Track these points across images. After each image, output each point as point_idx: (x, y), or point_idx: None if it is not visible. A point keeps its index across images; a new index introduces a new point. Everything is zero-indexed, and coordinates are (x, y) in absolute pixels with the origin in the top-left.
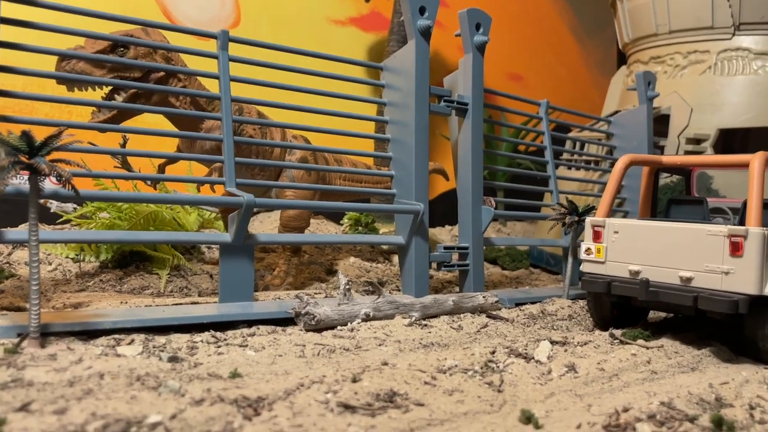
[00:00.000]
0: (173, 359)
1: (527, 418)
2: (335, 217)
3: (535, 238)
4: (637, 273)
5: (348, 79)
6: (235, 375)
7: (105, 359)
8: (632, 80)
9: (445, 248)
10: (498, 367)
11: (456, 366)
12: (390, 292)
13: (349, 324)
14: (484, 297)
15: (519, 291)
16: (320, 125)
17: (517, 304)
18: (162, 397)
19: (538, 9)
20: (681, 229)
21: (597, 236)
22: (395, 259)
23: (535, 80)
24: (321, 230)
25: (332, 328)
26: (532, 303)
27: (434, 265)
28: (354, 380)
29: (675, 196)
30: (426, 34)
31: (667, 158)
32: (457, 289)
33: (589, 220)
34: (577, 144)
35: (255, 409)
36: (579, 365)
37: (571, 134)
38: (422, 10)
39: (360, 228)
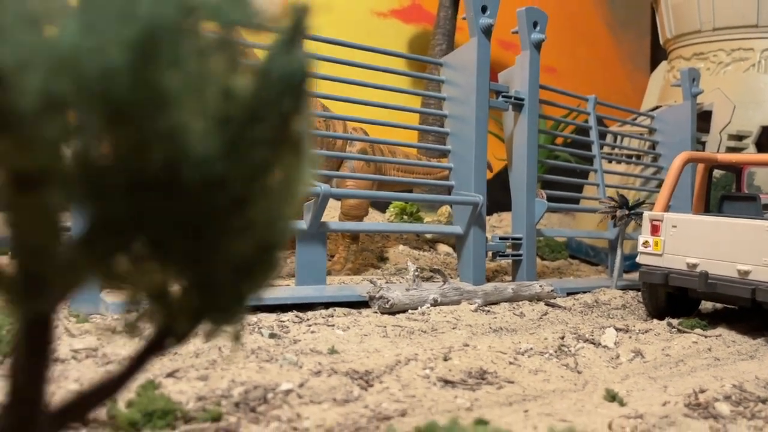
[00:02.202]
0: (273, 336)
1: (612, 396)
2: (380, 206)
3: (582, 230)
4: (695, 266)
5: (412, 75)
6: (333, 351)
7: None
8: (674, 76)
9: (501, 238)
10: (570, 351)
11: (531, 349)
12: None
13: (419, 308)
14: (540, 286)
15: (568, 281)
16: (377, 118)
17: (569, 294)
18: (284, 368)
19: (573, 1)
20: (740, 225)
21: (655, 230)
22: (440, 248)
23: (568, 73)
24: (368, 219)
25: (403, 311)
26: (583, 293)
27: (489, 254)
28: (445, 359)
29: (727, 193)
30: (487, 32)
31: (722, 156)
32: (504, 277)
33: (647, 214)
34: (618, 138)
35: (367, 381)
36: (645, 351)
37: (613, 128)
38: (484, 9)
39: (405, 217)
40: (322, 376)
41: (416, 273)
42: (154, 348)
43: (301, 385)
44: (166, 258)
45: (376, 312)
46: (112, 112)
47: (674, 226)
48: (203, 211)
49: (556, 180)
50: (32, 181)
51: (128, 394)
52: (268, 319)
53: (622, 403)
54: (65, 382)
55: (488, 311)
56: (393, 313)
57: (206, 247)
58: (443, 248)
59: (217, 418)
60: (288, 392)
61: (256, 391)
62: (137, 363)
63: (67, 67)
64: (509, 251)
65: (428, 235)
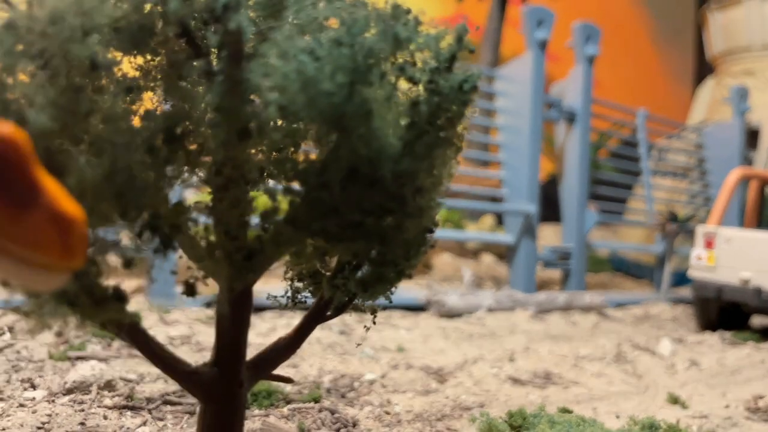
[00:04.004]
0: (342, 332)
1: (674, 399)
2: None
3: (629, 243)
4: (748, 281)
5: None
6: (401, 349)
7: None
8: (720, 92)
9: (551, 249)
10: (627, 358)
11: (590, 354)
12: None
13: (474, 313)
14: (591, 297)
15: (617, 293)
16: None
17: (618, 305)
18: (363, 360)
19: (618, 13)
20: None
21: (709, 244)
22: (484, 257)
23: (612, 85)
24: None
25: (458, 315)
26: (632, 305)
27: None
28: (510, 359)
29: None
30: (542, 45)
31: None
32: (553, 287)
33: (701, 228)
34: (662, 152)
35: (441, 376)
36: (700, 361)
37: (660, 142)
38: (540, 24)
39: (446, 225)
40: (399, 369)
41: (471, 279)
42: (317, 317)
43: (383, 376)
44: (357, 237)
45: (432, 315)
46: (332, 121)
47: (728, 241)
48: (394, 197)
49: (603, 194)
50: (260, 174)
51: None
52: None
53: (684, 406)
54: None
55: (542, 319)
56: (449, 317)
57: (393, 228)
58: (486, 258)
59: (317, 399)
60: (372, 382)
61: (344, 379)
62: (304, 330)
63: (306, 88)
64: (560, 262)
65: (472, 244)
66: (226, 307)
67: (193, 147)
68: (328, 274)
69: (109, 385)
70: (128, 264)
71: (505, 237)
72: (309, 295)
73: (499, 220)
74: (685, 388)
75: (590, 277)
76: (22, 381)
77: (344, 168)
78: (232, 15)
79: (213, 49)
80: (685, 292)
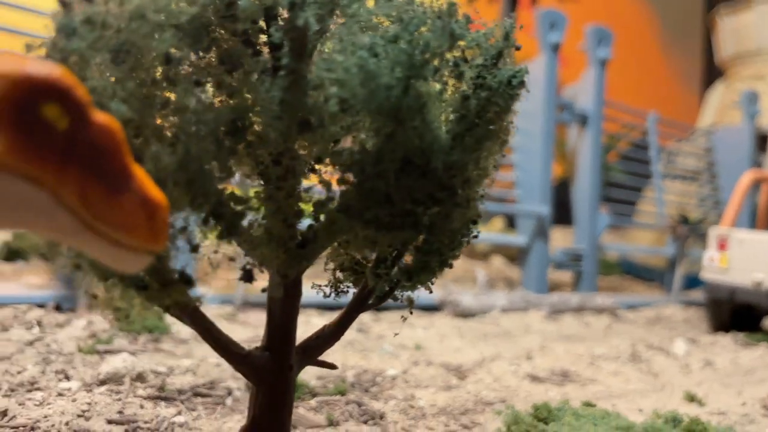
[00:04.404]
0: (360, 330)
1: (690, 397)
2: None
3: (641, 245)
4: (761, 282)
5: None
6: (418, 347)
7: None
8: (730, 96)
9: (564, 251)
10: (642, 357)
11: (605, 354)
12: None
13: (488, 313)
14: (602, 298)
15: (629, 295)
16: None
17: (629, 307)
18: (384, 357)
19: (626, 16)
20: None
21: (721, 246)
22: (494, 259)
23: (619, 88)
24: None
25: (472, 315)
26: (643, 307)
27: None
28: (527, 357)
29: None
30: (555, 48)
31: None
32: (563, 288)
33: (714, 230)
34: (672, 155)
35: (461, 372)
36: (714, 361)
37: (670, 145)
38: (552, 26)
39: None
40: (420, 366)
41: (485, 279)
42: (359, 306)
43: (404, 372)
44: (407, 226)
45: (446, 315)
46: (389, 113)
47: (741, 243)
48: (445, 188)
49: (614, 196)
50: (316, 164)
51: None
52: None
53: (701, 404)
54: (186, 359)
55: (555, 319)
56: (463, 316)
57: (441, 217)
58: (497, 260)
59: (343, 392)
60: (394, 377)
61: (366, 374)
62: (347, 319)
63: (366, 82)
64: (572, 263)
65: (482, 246)
66: (281, 292)
67: (252, 138)
68: (369, 265)
69: (140, 377)
70: (195, 249)
71: (517, 238)
72: (350, 285)
73: (510, 222)
74: (701, 386)
75: (600, 279)
76: (56, 372)
77: (399, 159)
78: (299, 12)
79: (267, 45)
80: (696, 294)
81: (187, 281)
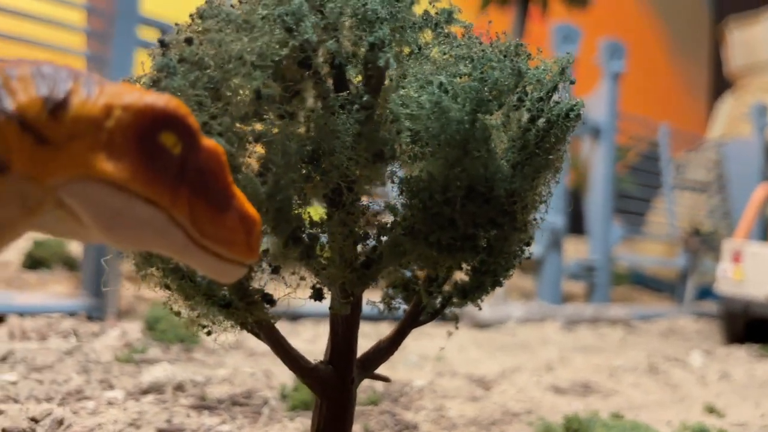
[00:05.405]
0: None
1: (710, 409)
2: None
3: (652, 257)
4: None
5: None
6: (439, 358)
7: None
8: (739, 108)
9: (577, 262)
10: (659, 369)
11: (623, 365)
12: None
13: (504, 324)
14: (616, 309)
15: (642, 306)
16: None
17: (642, 318)
18: (409, 368)
19: (634, 28)
20: None
21: (736, 259)
22: None
23: (627, 99)
24: None
25: (489, 326)
26: (655, 318)
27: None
28: (548, 369)
29: None
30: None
31: None
32: (576, 299)
33: (728, 243)
34: (681, 167)
35: (485, 383)
36: (731, 373)
37: (680, 157)
38: (566, 40)
39: None
40: (445, 377)
41: (501, 291)
42: (411, 322)
43: (430, 383)
44: (467, 248)
45: (459, 326)
46: (458, 144)
47: (755, 255)
48: (506, 213)
49: (625, 208)
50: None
51: (289, 381)
52: (364, 327)
53: (720, 415)
54: (220, 369)
55: (571, 330)
56: (480, 327)
57: (500, 239)
58: None
59: (376, 402)
60: (422, 388)
61: (394, 385)
62: (401, 334)
63: (439, 116)
64: (585, 274)
65: None
66: (348, 310)
67: (327, 167)
68: (419, 283)
69: (180, 387)
70: (276, 271)
71: (532, 249)
72: (402, 301)
73: None
74: (719, 398)
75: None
76: (100, 381)
77: (465, 186)
78: (380, 53)
79: (326, 78)
80: (708, 306)
81: (269, 301)
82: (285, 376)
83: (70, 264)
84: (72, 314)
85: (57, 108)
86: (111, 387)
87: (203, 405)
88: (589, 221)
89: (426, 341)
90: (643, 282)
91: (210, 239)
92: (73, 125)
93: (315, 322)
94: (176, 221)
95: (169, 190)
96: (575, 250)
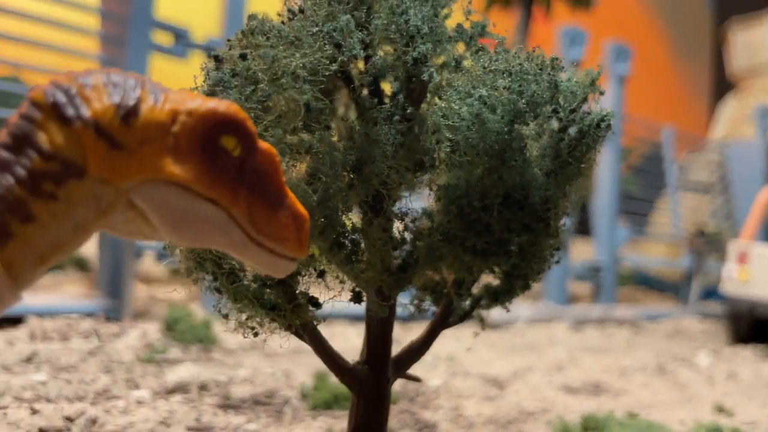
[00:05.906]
0: (395, 341)
1: (719, 408)
2: None
3: (657, 257)
4: None
5: None
6: (452, 358)
7: (344, 338)
8: (742, 110)
9: (584, 263)
10: (667, 369)
11: (631, 366)
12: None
13: (513, 324)
14: (623, 310)
15: (648, 307)
16: None
17: (648, 318)
18: (424, 368)
19: (636, 29)
20: None
21: (741, 260)
22: None
23: (629, 100)
24: None
25: (497, 326)
26: (661, 318)
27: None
28: (559, 369)
29: None
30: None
31: None
32: (583, 300)
33: (734, 244)
34: (683, 168)
35: (499, 383)
36: (738, 373)
37: (683, 158)
38: (572, 42)
39: None
40: (458, 377)
41: None
42: (442, 323)
43: (445, 383)
44: (501, 252)
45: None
46: (495, 154)
47: (760, 257)
48: (540, 219)
49: (630, 209)
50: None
51: (308, 381)
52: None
53: (729, 414)
54: (240, 369)
55: (578, 331)
56: (489, 328)
57: (533, 244)
58: None
59: (394, 401)
60: (438, 387)
61: (410, 384)
62: (431, 335)
63: (478, 127)
64: (591, 275)
65: None
66: (386, 312)
67: (369, 175)
68: (448, 286)
69: (204, 386)
70: (321, 275)
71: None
72: (431, 304)
73: None
74: (727, 398)
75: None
76: (126, 381)
77: (501, 194)
78: (423, 68)
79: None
80: (712, 306)
81: (315, 304)
82: (304, 375)
83: (81, 265)
84: (89, 315)
85: (129, 114)
86: (137, 387)
87: (228, 404)
88: (595, 223)
89: (438, 341)
90: (647, 283)
91: (265, 236)
92: (143, 131)
93: (327, 323)
94: (236, 220)
95: (229, 190)
96: (581, 251)
